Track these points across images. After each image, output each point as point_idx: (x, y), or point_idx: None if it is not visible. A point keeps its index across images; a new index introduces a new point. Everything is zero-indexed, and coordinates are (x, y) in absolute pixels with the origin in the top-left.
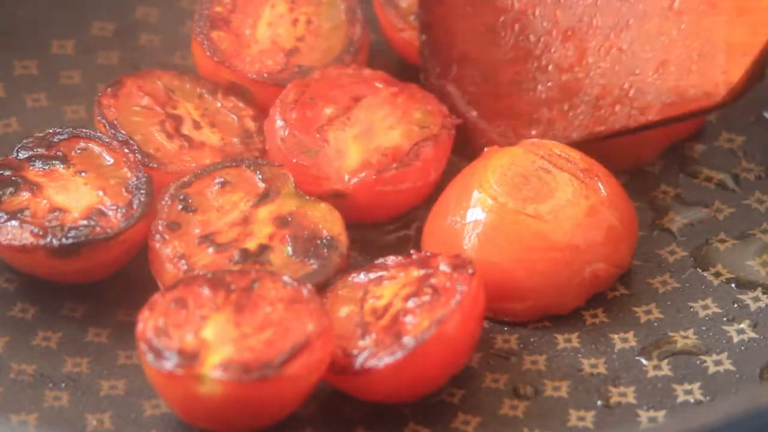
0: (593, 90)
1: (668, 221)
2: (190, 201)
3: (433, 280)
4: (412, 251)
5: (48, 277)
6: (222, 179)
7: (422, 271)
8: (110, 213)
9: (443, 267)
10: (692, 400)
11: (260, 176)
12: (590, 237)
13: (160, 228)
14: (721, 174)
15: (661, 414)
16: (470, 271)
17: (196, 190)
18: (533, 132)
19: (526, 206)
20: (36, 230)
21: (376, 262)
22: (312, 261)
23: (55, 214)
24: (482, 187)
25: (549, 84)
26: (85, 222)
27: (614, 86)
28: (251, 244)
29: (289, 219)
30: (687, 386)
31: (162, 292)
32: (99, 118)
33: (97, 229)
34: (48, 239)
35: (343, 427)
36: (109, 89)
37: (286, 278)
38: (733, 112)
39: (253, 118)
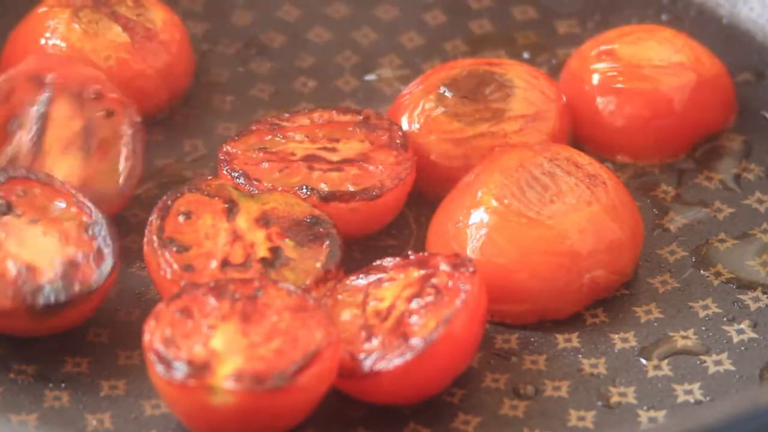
0: None
1: (668, 221)
2: (181, 242)
3: (434, 280)
4: (409, 252)
5: (23, 335)
6: (182, 212)
7: (422, 272)
8: (81, 263)
9: (443, 266)
10: (692, 400)
11: (208, 194)
12: (591, 244)
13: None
14: (721, 174)
15: (661, 414)
16: (471, 269)
17: (173, 229)
18: None
19: (529, 209)
20: (11, 292)
21: (373, 264)
22: (321, 241)
23: (24, 271)
24: (487, 188)
25: None
26: (60, 279)
27: None
28: (263, 252)
29: (267, 216)
30: (687, 386)
31: (166, 301)
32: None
33: (76, 285)
34: (27, 301)
35: (343, 427)
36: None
37: (289, 286)
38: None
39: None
